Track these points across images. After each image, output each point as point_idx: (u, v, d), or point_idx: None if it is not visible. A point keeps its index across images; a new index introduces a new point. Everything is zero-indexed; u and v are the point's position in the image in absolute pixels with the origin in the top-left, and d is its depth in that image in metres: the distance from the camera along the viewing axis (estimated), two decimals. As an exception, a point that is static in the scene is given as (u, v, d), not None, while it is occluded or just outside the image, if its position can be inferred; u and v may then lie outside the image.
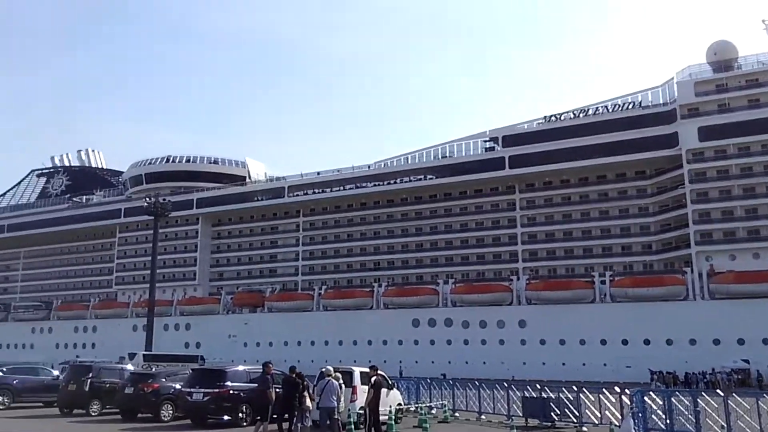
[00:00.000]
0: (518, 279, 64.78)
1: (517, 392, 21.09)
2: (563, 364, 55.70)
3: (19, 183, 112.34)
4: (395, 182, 73.41)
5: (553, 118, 66.54)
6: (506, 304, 63.40)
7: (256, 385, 16.32)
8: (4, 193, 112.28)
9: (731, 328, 51.72)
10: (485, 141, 70.32)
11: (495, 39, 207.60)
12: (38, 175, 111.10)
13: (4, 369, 24.79)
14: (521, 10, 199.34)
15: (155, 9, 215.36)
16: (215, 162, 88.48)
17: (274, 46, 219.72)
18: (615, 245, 65.05)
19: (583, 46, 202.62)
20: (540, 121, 67.43)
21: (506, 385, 21.81)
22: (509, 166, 66.39)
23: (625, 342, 56.11)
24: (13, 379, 23.98)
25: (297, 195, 78.60)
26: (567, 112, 66.07)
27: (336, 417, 14.62)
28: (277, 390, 15.44)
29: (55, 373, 26.52)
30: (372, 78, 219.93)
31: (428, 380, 26.18)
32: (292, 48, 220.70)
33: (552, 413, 18.61)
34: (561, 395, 19.09)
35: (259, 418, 15.29)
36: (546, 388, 20.58)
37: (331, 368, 15.52)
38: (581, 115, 65.03)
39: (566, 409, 18.52)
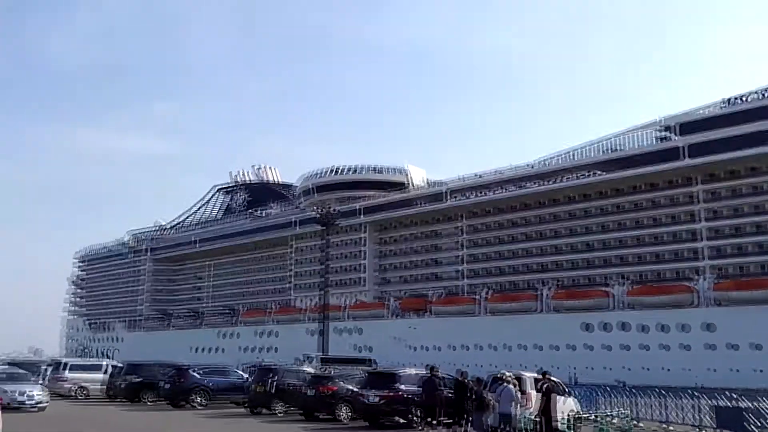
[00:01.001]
0: (702, 278, 59.52)
1: (707, 401, 19.33)
2: (760, 371, 50.15)
3: (205, 200, 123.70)
4: (559, 180, 70.45)
5: (736, 100, 60.08)
6: (689, 305, 58.52)
7: (424, 387, 16.38)
8: (192, 210, 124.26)
9: None
10: (658, 130, 65.06)
11: (652, 22, 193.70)
12: (220, 191, 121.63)
13: (200, 371, 27.05)
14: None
15: (311, 28, 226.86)
16: (377, 170, 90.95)
17: (421, 50, 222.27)
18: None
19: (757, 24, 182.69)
20: (722, 104, 61.16)
21: (694, 393, 20.05)
22: (687, 155, 60.72)
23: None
24: (208, 381, 26.12)
25: (457, 198, 78.39)
26: (751, 93, 59.39)
27: (513, 424, 14.25)
28: (446, 393, 15.35)
29: (243, 374, 28.50)
30: (525, 74, 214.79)
31: (605, 387, 24.77)
32: (441, 50, 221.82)
33: (750, 425, 16.76)
34: (759, 405, 17.16)
35: (429, 419, 15.30)
36: (742, 396, 18.63)
37: (510, 374, 15.15)
38: (769, 93, 58.13)
39: (766, 422, 16.64)
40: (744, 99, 59.60)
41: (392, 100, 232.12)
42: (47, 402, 22.69)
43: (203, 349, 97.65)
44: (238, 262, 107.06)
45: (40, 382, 27.26)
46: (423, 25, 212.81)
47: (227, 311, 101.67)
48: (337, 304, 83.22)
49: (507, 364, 53.85)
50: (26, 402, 21.76)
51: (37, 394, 22.39)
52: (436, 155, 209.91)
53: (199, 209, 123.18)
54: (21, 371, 25.44)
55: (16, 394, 21.69)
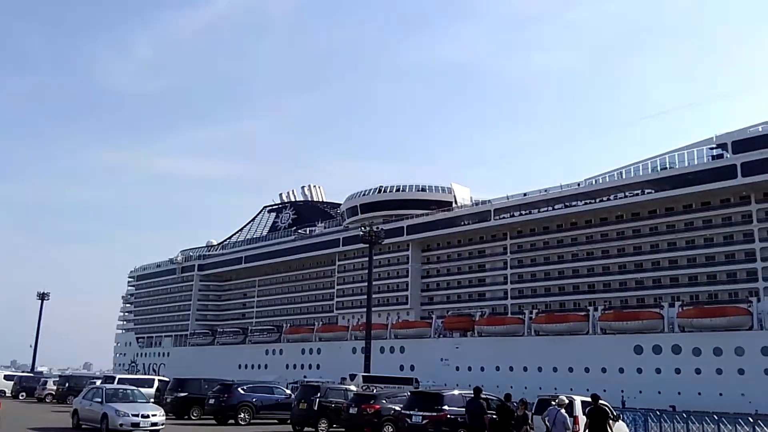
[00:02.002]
0: (759, 300, 57.31)
1: (763, 428, 18.52)
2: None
3: (253, 219, 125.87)
4: (608, 199, 69.04)
5: (792, 117, 58.06)
6: (745, 328, 56.36)
7: (469, 409, 16.12)
8: (241, 229, 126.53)
9: None
10: (711, 148, 63.29)
11: (708, 41, 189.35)
12: (269, 211, 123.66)
13: (245, 387, 27.30)
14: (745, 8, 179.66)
15: (354, 53, 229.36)
16: (422, 189, 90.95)
17: (467, 72, 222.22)
18: None
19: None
20: (776, 122, 59.29)
21: (749, 419, 19.24)
22: (742, 174, 58.87)
23: None
24: (253, 397, 26.33)
25: (503, 217, 77.56)
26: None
27: None
28: (492, 416, 15.06)
29: (287, 391, 28.63)
30: (574, 93, 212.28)
31: (657, 412, 24.01)
32: (486, 72, 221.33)
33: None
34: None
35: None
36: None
37: (564, 397, 14.79)
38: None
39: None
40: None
41: (438, 119, 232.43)
42: (163, 425, 20.28)
43: (248, 366, 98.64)
44: (284, 280, 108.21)
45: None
46: (467, 45, 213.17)
47: (272, 328, 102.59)
48: (381, 323, 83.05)
49: (553, 387, 52.83)
50: (141, 425, 19.29)
51: (153, 414, 19.84)
52: (482, 175, 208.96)
53: (247, 228, 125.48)
54: (132, 388, 23.05)
55: (129, 416, 19.25)
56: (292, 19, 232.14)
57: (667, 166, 65.70)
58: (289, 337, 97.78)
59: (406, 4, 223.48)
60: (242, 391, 26.49)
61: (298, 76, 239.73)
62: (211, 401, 26.47)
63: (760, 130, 60.01)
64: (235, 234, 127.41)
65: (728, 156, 60.92)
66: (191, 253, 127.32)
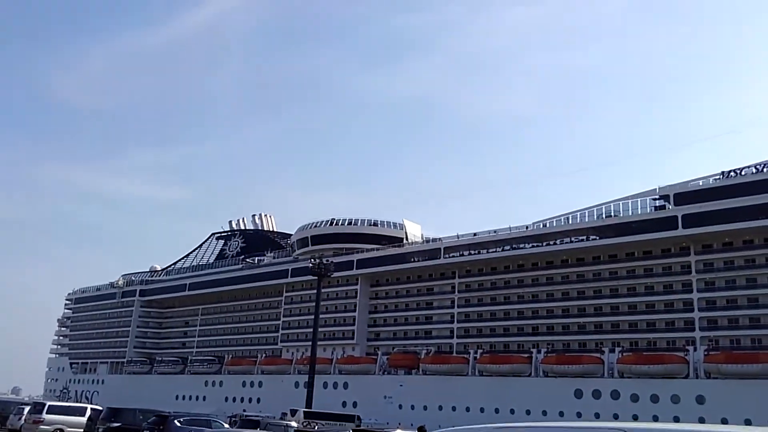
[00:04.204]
0: (695, 349, 59.06)
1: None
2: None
3: (200, 245, 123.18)
4: (555, 243, 70.66)
5: (732, 173, 61.01)
6: (681, 377, 57.88)
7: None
8: (188, 255, 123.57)
9: None
10: (654, 199, 65.85)
11: (656, 94, 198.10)
12: (217, 238, 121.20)
13: (182, 420, 26.47)
14: (697, 61, 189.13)
15: (314, 81, 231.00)
16: (374, 224, 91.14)
17: (425, 108, 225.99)
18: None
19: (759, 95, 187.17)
20: (716, 176, 62.11)
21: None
22: (683, 225, 61.31)
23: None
24: (190, 430, 25.51)
25: (453, 256, 78.30)
26: (748, 167, 60.35)
27: None
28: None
29: (226, 425, 27.87)
30: (526, 137, 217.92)
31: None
32: (444, 109, 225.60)
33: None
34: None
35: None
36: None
37: None
38: (765, 169, 59.13)
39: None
40: (739, 173, 60.56)
41: (394, 154, 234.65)
42: None
43: (186, 397, 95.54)
44: (228, 309, 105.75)
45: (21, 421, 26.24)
46: (425, 81, 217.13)
47: (213, 359, 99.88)
48: (326, 357, 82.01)
49: (495, 428, 52.64)
50: None
51: None
52: (433, 212, 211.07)
53: (193, 254, 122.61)
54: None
55: None
56: (249, 46, 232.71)
57: (612, 214, 67.96)
58: (230, 369, 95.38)
59: (364, 37, 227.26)
60: (178, 424, 25.68)
61: (253, 103, 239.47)
62: (146, 433, 25.53)
63: (701, 184, 62.75)
64: (180, 260, 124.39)
65: (670, 207, 63.43)
66: (133, 278, 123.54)
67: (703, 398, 54.95)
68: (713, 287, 62.41)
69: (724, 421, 52.83)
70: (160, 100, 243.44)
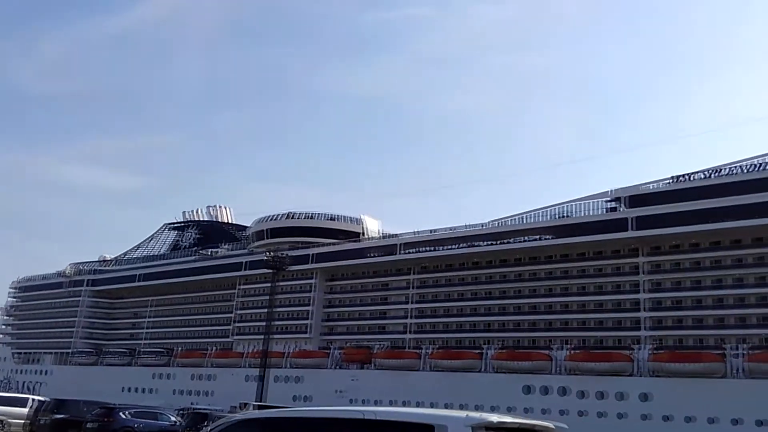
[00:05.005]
0: (641, 348, 60.72)
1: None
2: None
3: (153, 235, 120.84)
4: (510, 242, 71.79)
5: (682, 177, 62.97)
6: (626, 374, 59.44)
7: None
8: (140, 245, 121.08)
9: None
10: (607, 201, 67.51)
11: (615, 97, 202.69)
12: (171, 229, 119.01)
13: (129, 412, 25.98)
14: (651, 67, 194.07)
15: (278, 74, 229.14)
16: (332, 218, 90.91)
17: (389, 105, 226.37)
18: (751, 316, 59.65)
19: (713, 104, 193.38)
20: (667, 181, 63.99)
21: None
22: (634, 227, 62.98)
23: (761, 423, 50.47)
24: (136, 423, 25.08)
25: (410, 252, 78.74)
26: (698, 172, 62.37)
27: None
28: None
29: (173, 418, 27.45)
30: (484, 136, 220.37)
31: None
32: (402, 107, 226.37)
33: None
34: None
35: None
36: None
37: None
38: (714, 174, 61.11)
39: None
40: (689, 177, 62.55)
41: (354, 149, 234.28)
42: None
43: (134, 389, 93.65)
44: (180, 301, 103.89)
45: None
46: (386, 79, 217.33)
47: (163, 351, 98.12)
48: (279, 351, 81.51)
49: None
50: None
51: None
52: (392, 208, 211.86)
53: (145, 245, 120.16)
54: None
55: None
56: (211, 37, 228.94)
57: (566, 214, 69.39)
58: (180, 362, 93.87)
59: (331, 33, 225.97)
60: (125, 416, 25.22)
61: (211, 94, 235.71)
62: (91, 425, 24.94)
63: (652, 187, 64.61)
64: (131, 250, 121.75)
65: (622, 209, 65.13)
66: (82, 267, 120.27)
67: (647, 395, 56.52)
68: (660, 288, 64.30)
69: (667, 419, 54.60)
70: (116, 88, 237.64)
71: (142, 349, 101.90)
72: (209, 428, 8.61)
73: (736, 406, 51.77)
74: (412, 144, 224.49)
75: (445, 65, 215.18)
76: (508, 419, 7.15)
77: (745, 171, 59.86)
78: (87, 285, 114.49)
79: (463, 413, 7.01)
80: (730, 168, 60.82)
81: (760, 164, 59.75)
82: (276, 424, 7.82)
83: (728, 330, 59.61)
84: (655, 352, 59.32)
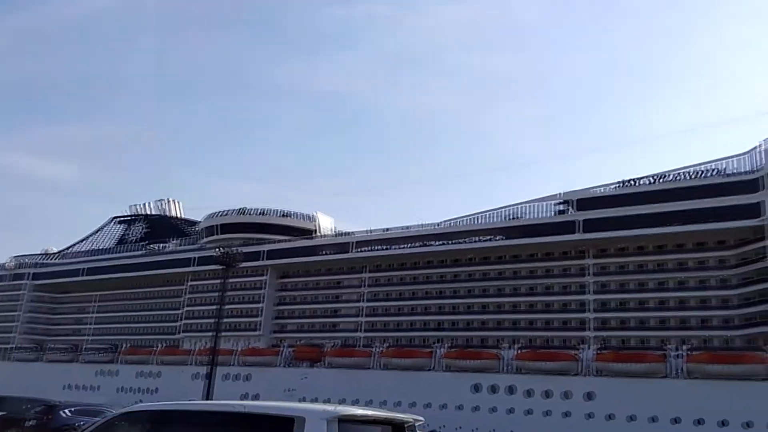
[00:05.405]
0: (587, 348, 62.20)
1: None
2: (634, 442, 52.45)
3: (100, 229, 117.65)
4: (462, 242, 72.68)
5: (630, 182, 64.91)
6: (573, 374, 60.80)
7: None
8: (85, 238, 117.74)
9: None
10: (557, 204, 69.04)
11: (568, 101, 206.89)
12: (118, 222, 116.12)
13: (71, 409, 25.27)
14: (604, 73, 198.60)
15: (235, 68, 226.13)
16: (286, 215, 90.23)
17: (342, 102, 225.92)
18: (692, 318, 61.89)
19: (663, 111, 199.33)
20: (616, 185, 65.84)
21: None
22: (582, 230, 64.64)
23: (699, 422, 52.34)
24: (78, 421, 24.37)
25: (363, 250, 78.84)
26: (645, 177, 64.40)
27: None
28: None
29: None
30: (440, 136, 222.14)
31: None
32: (361, 104, 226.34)
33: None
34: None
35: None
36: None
37: None
38: (660, 180, 63.19)
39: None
40: (636, 182, 64.46)
41: (313, 146, 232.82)
42: None
43: (78, 386, 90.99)
44: (127, 297, 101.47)
45: None
46: (348, 76, 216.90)
47: (108, 347, 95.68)
48: (228, 349, 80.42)
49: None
50: None
51: None
52: (347, 206, 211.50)
53: (91, 238, 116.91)
54: None
55: None
56: (166, 28, 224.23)
57: (518, 216, 70.66)
58: (125, 359, 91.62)
59: (291, 27, 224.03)
60: (65, 414, 24.49)
61: (166, 86, 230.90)
62: (31, 422, 24.17)
63: (600, 191, 66.38)
64: (77, 243, 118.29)
65: (571, 212, 66.72)
66: (25, 260, 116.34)
67: (592, 394, 57.87)
68: (606, 290, 66.05)
69: (610, 417, 56.04)
70: (66, 78, 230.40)
71: (86, 346, 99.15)
72: (99, 422, 9.09)
73: (675, 406, 53.51)
74: (371, 141, 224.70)
75: (405, 64, 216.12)
76: (359, 412, 8.08)
77: (689, 177, 62.06)
78: (29, 279, 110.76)
79: (321, 406, 7.85)
80: (675, 174, 62.98)
81: (704, 171, 62.01)
82: (162, 416, 8.46)
83: (670, 331, 61.66)
84: (599, 352, 60.82)
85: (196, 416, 8.38)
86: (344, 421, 7.51)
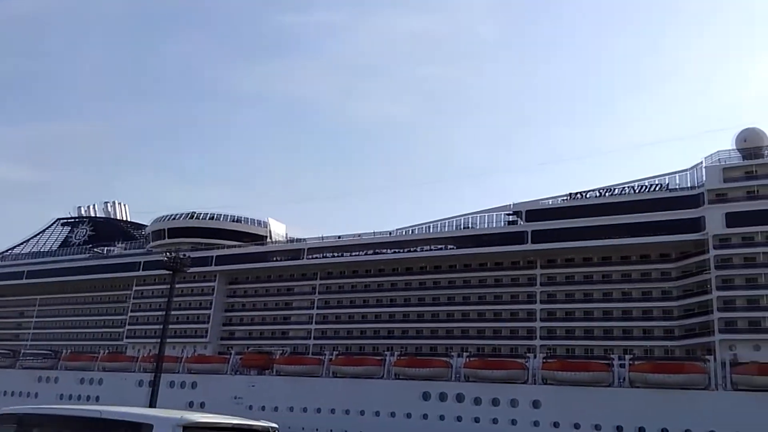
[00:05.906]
0: (534, 357, 63.11)
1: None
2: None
3: (43, 231, 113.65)
4: (414, 250, 73.00)
5: (578, 195, 66.39)
6: (520, 382, 61.54)
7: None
8: (27, 240, 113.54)
9: (753, 421, 49.38)
10: (508, 214, 70.09)
11: (521, 115, 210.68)
12: (63, 224, 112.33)
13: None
14: (556, 90, 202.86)
15: (190, 71, 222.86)
16: (237, 220, 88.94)
17: (298, 109, 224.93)
18: (636, 328, 63.50)
19: (611, 127, 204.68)
20: (564, 197, 67.26)
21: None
22: (531, 240, 65.77)
23: (641, 430, 53.74)
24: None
25: (315, 257, 78.30)
26: (592, 190, 65.97)
27: None
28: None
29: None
30: (394, 145, 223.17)
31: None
32: (317, 112, 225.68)
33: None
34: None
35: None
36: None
37: None
38: (606, 193, 64.82)
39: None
40: (584, 195, 65.95)
41: (269, 152, 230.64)
42: None
43: (16, 393, 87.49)
44: (70, 301, 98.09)
45: None
46: (308, 83, 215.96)
47: (49, 353, 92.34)
48: (174, 355, 78.60)
49: (343, 429, 53.14)
50: None
51: None
52: (303, 213, 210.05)
53: (33, 240, 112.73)
54: None
55: None
56: (117, 25, 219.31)
57: (470, 225, 71.49)
58: (66, 365, 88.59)
59: (240, 31, 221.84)
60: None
61: (117, 86, 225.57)
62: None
63: (549, 203, 67.69)
64: (19, 245, 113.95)
65: (521, 223, 67.83)
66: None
67: (538, 402, 58.67)
68: (554, 299, 67.21)
69: (556, 425, 56.91)
70: (13, 74, 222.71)
71: (26, 351, 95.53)
72: None
73: (619, 414, 54.76)
74: (327, 149, 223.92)
75: (359, 72, 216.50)
76: (206, 419, 8.49)
77: (635, 191, 63.85)
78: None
79: (168, 413, 8.27)
80: (621, 188, 64.71)
81: (649, 186, 63.89)
82: (26, 418, 9.02)
83: (614, 341, 63.08)
84: (546, 360, 61.77)
85: (56, 420, 8.85)
86: (191, 428, 7.83)
